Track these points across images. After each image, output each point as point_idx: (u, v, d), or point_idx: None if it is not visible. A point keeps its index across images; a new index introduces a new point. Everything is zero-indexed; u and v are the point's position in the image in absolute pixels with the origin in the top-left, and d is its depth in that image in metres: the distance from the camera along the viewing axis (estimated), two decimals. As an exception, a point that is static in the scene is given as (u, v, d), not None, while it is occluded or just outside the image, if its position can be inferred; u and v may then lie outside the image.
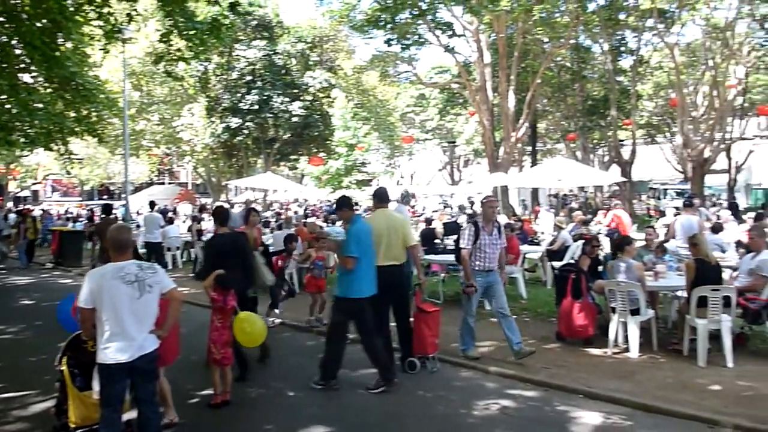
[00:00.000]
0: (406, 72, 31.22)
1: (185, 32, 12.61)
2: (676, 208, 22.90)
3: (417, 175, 58.44)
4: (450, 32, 24.56)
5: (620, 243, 8.56)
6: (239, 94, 31.43)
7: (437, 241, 15.06)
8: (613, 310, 7.90)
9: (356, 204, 12.54)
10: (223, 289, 6.19)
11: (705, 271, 7.54)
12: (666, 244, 10.97)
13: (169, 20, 12.60)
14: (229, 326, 6.14)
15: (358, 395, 6.57)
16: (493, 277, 7.61)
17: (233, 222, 8.77)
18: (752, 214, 18.20)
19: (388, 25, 22.81)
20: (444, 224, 17.69)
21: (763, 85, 33.28)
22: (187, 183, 56.51)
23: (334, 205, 8.99)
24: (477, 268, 7.53)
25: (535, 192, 32.12)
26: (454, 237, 15.77)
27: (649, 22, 27.36)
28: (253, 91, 31.32)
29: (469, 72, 26.87)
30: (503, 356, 7.65)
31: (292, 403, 6.44)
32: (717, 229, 13.28)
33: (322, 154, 37.63)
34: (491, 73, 25.30)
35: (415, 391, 6.68)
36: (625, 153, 31.65)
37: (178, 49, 13.50)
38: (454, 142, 46.87)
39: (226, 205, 15.68)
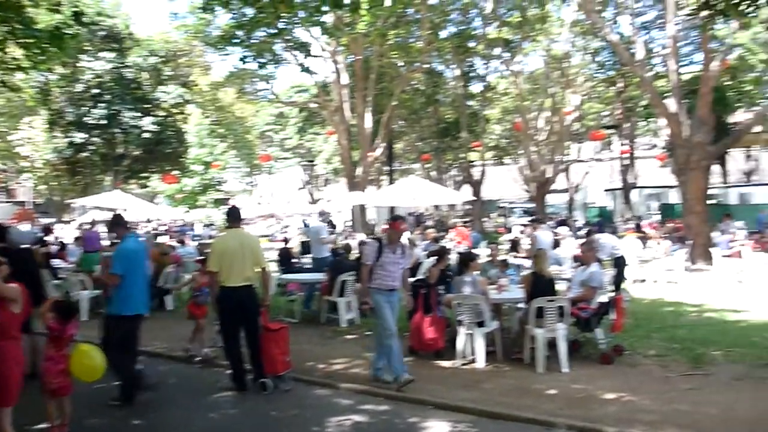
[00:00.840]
0: (264, 90, 31.04)
1: (23, 40, 11.78)
2: (523, 225, 24.38)
3: (277, 194, 57.99)
4: (307, 52, 24.71)
5: (465, 258, 8.97)
6: (85, 108, 29.77)
7: (294, 260, 15.03)
8: (460, 322, 8.25)
9: (211, 223, 12.25)
10: (63, 318, 5.78)
11: (539, 284, 8.11)
12: (514, 260, 11.69)
13: (5, 26, 11.72)
14: (65, 355, 5.74)
15: (211, 420, 6.39)
16: (395, 297, 7.43)
17: (21, 238, 8.29)
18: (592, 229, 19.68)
19: (244, 43, 22.57)
20: (302, 243, 17.67)
21: (595, 112, 36.35)
22: (25, 202, 52.36)
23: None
24: (379, 286, 7.25)
25: (392, 211, 32.89)
26: (311, 255, 15.86)
27: (496, 51, 29.11)
28: (100, 104, 29.83)
29: (327, 92, 27.19)
30: (357, 372, 7.74)
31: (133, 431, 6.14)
32: (555, 244, 14.30)
33: (175, 172, 36.37)
34: (349, 94, 25.73)
35: (268, 411, 6.59)
36: (476, 173, 33.35)
37: (15, 58, 12.60)
38: (313, 161, 47.05)
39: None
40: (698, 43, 24.30)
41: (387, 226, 7.94)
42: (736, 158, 41.36)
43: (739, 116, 31.13)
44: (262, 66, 25.27)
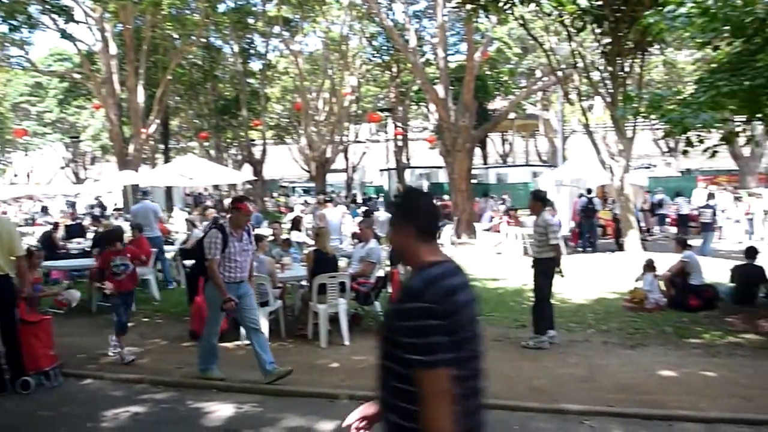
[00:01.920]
0: (17, 56, 27.71)
1: None
2: (304, 203, 24.67)
3: (35, 174, 52.40)
4: (69, 17, 22.47)
5: (256, 240, 8.88)
6: None
7: (60, 245, 13.80)
8: (245, 303, 8.17)
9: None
10: None
11: (322, 261, 8.31)
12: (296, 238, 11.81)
13: None
14: None
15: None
16: (245, 288, 6.78)
17: None
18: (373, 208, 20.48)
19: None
20: (67, 227, 16.23)
21: (372, 95, 37.83)
22: None
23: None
24: (227, 280, 6.55)
25: (169, 191, 31.43)
26: (79, 240, 14.63)
27: (276, 29, 28.94)
28: None
29: (93, 62, 25.05)
30: (134, 361, 7.36)
31: None
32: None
33: None
34: (118, 66, 23.95)
35: (34, 412, 6.00)
36: (257, 152, 33.02)
37: None
38: (78, 137, 43.16)
39: None
40: (463, 35, 26.27)
41: (231, 209, 6.95)
42: (494, 141, 45.65)
43: (498, 104, 34.33)
44: (13, 29, 22.48)
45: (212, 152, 35.45)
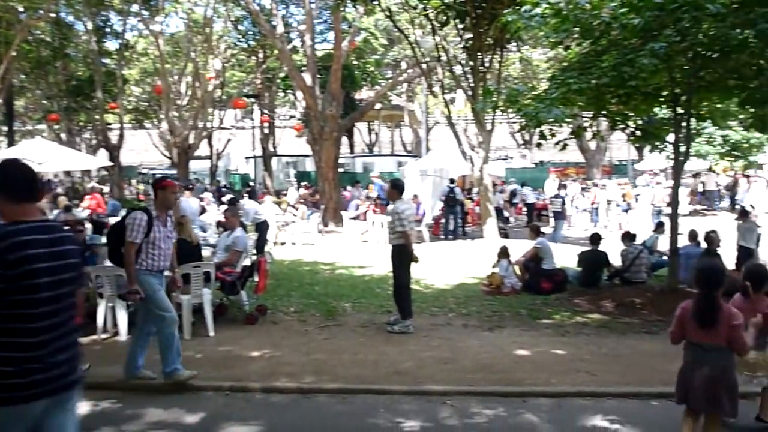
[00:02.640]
0: None
1: None
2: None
3: None
4: None
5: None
6: None
7: None
8: (101, 295, 7.76)
9: None
10: None
11: (185, 250, 8.03)
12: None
13: None
14: None
15: None
16: (163, 279, 6.26)
17: None
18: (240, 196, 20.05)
19: None
20: None
21: (237, 80, 36.89)
22: None
23: None
24: (149, 269, 6.01)
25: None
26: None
27: (135, 8, 27.47)
28: None
29: None
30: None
31: None
32: (202, 210, 14.27)
33: None
34: (-48, 38, 21.74)
35: None
36: (113, 137, 31.25)
37: None
38: None
39: None
40: (331, 23, 26.25)
41: (155, 190, 6.34)
42: (361, 131, 46.10)
43: (364, 94, 34.66)
44: None
45: (63, 136, 33.14)
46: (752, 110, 9.40)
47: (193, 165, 32.31)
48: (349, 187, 23.60)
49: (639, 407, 5.62)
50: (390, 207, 8.31)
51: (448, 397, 5.81)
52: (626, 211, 21.75)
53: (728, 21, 7.70)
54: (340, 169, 24.86)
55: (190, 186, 17.28)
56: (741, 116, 10.54)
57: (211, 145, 36.19)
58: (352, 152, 40.36)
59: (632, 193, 23.57)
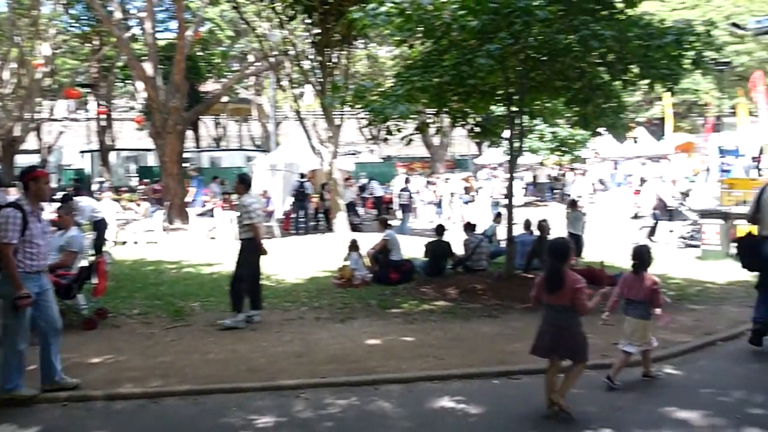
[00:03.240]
0: None
1: None
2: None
3: None
4: None
5: None
6: None
7: None
8: None
9: None
10: None
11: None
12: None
13: None
14: None
15: None
16: (45, 280, 5.62)
17: None
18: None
19: None
20: None
21: (70, 68, 34.42)
22: None
23: None
24: (27, 270, 5.41)
25: None
26: None
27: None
28: None
29: None
30: None
31: None
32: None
33: None
34: None
35: None
36: None
37: None
38: None
39: None
40: (173, 11, 25.22)
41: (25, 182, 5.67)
42: (207, 125, 44.77)
43: (210, 86, 33.68)
44: None
45: None
46: (576, 109, 10.22)
47: (20, 159, 29.69)
48: (212, 184, 22.60)
49: (482, 386, 5.97)
50: (237, 201, 8.21)
51: (302, 390, 5.84)
52: (468, 203, 22.91)
53: (555, 27, 8.35)
54: (186, 164, 24.01)
55: (12, 183, 15.85)
56: (567, 114, 11.42)
57: (40, 138, 33.51)
58: (198, 147, 39.09)
59: (474, 186, 24.86)
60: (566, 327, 5.10)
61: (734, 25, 21.11)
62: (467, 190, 23.83)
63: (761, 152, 22.56)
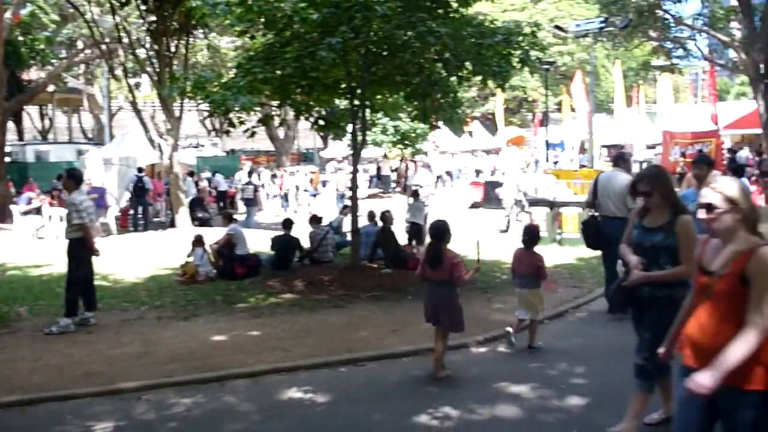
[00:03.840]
0: None
1: None
2: None
3: None
4: None
5: None
6: None
7: None
8: None
9: None
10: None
11: None
12: None
13: None
14: None
15: None
16: None
17: None
18: None
19: None
20: None
21: None
22: None
23: None
24: None
25: None
26: None
27: None
28: None
29: None
30: None
31: None
32: None
33: None
34: None
35: None
36: None
37: None
38: None
39: None
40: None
41: None
42: (32, 116, 41.26)
43: (34, 74, 31.06)
44: None
45: None
46: (415, 103, 10.63)
47: None
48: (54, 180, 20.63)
49: (329, 375, 6.07)
50: (67, 198, 7.69)
51: (143, 392, 5.62)
52: (314, 195, 23.02)
53: (394, 22, 8.61)
54: (7, 159, 22.04)
55: None
56: (408, 108, 11.82)
57: None
58: (21, 140, 35.89)
59: (320, 179, 25.00)
60: (446, 298, 5.75)
61: (557, 27, 22.83)
62: (313, 183, 23.93)
63: (582, 145, 24.70)
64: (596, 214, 7.80)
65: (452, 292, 5.76)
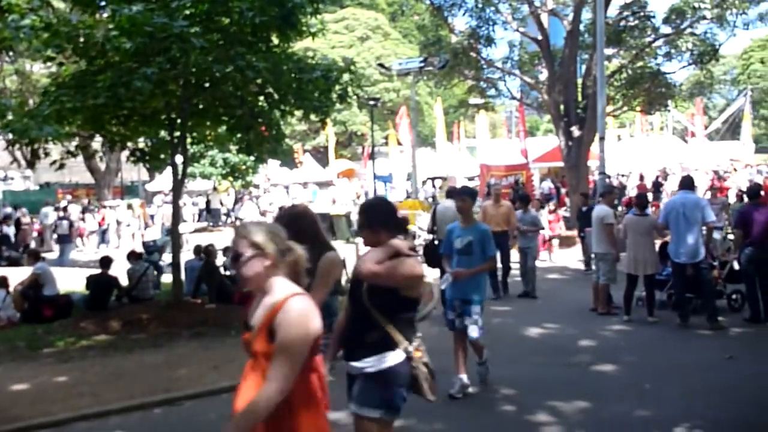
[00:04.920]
0: None
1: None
2: None
3: None
4: None
5: None
6: None
7: None
8: None
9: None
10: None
11: None
12: None
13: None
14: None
15: None
16: None
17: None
18: None
19: None
20: None
21: None
22: None
23: None
24: None
25: None
26: None
27: None
28: None
29: None
30: None
31: None
32: None
33: None
34: None
35: None
36: None
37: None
38: None
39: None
40: None
41: None
42: None
43: None
44: None
45: None
46: (239, 135, 10.56)
47: None
48: None
49: (143, 417, 5.80)
50: None
51: None
52: (140, 229, 21.92)
53: (212, 55, 8.54)
54: None
55: None
56: (232, 141, 11.68)
57: None
58: None
59: (148, 212, 23.86)
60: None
61: (380, 65, 23.80)
62: (141, 217, 22.80)
63: (409, 178, 25.75)
64: (435, 238, 9.19)
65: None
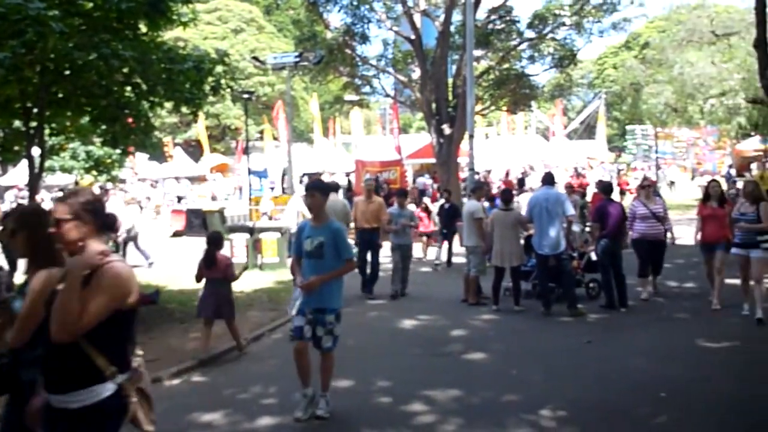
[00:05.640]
0: None
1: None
2: None
3: None
4: None
5: None
6: None
7: None
8: None
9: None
10: None
11: None
12: None
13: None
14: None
15: None
16: None
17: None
18: None
19: None
20: None
21: None
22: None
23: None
24: None
25: None
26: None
27: None
28: None
29: None
30: None
31: None
32: None
33: None
34: None
35: None
36: None
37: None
38: None
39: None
40: None
41: None
42: None
43: None
44: None
45: None
46: (104, 127, 9.99)
47: None
48: None
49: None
50: None
51: None
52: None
53: (73, 41, 8.03)
54: None
55: None
56: (96, 133, 11.04)
57: None
58: None
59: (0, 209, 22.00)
60: (224, 293, 7.36)
61: (255, 58, 23.37)
62: (-11, 214, 20.97)
63: (284, 173, 25.46)
64: None
65: (228, 288, 7.42)
